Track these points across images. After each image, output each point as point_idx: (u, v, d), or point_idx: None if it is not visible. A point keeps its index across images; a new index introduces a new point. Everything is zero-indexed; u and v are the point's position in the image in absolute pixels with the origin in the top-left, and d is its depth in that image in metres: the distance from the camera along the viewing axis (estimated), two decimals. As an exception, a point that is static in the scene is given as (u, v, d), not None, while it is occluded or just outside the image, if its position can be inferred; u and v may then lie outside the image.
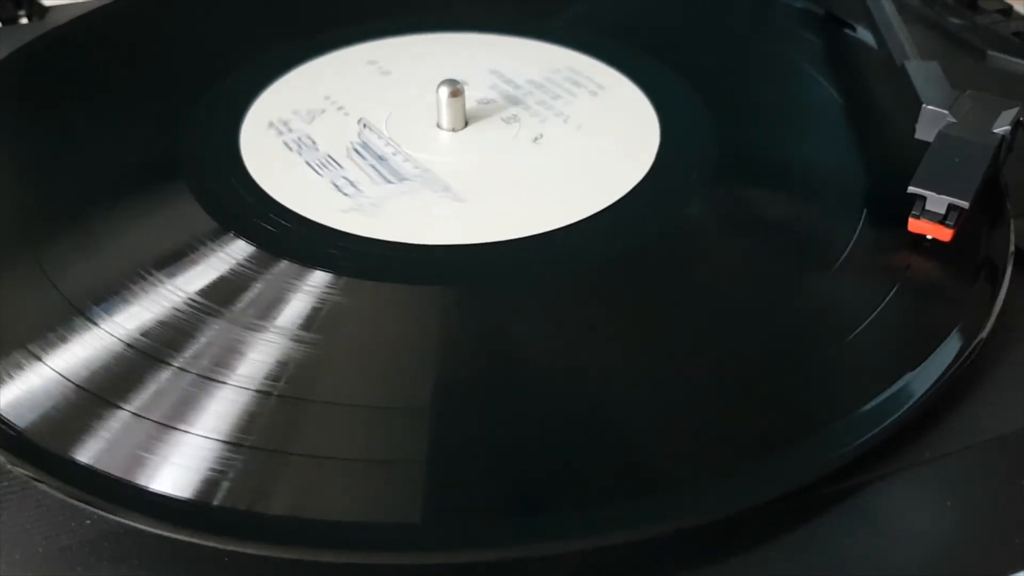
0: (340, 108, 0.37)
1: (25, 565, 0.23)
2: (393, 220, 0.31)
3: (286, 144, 0.34)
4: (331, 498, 0.23)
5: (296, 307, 0.28)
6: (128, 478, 0.24)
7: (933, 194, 0.29)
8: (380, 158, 0.34)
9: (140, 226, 0.31)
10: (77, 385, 0.26)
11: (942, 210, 0.29)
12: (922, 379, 0.26)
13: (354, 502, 0.24)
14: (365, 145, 0.35)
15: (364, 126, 0.36)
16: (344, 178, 0.33)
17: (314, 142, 0.35)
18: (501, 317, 0.28)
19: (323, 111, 0.36)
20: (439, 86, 0.35)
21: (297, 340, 0.27)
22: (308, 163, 0.33)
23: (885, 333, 0.27)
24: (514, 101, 0.37)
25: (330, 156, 0.34)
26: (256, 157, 0.34)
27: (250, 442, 0.24)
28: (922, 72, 0.34)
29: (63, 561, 0.23)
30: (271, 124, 0.35)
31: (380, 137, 0.35)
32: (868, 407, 0.25)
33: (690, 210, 0.32)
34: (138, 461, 0.24)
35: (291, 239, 0.30)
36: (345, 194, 0.32)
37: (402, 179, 0.33)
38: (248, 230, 0.30)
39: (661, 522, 0.23)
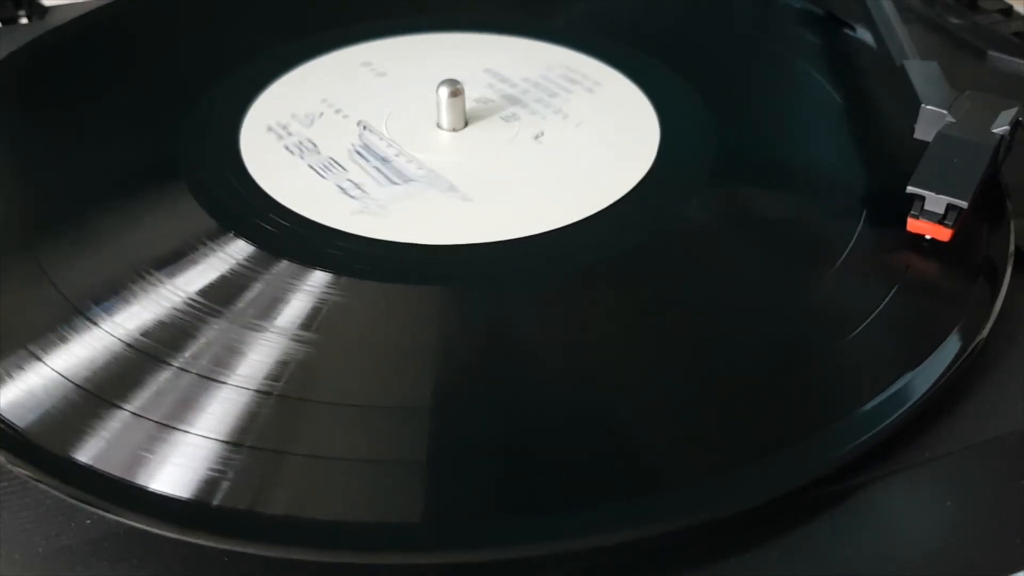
0: (338, 111, 0.37)
1: (25, 565, 0.23)
2: (401, 221, 0.31)
3: (287, 148, 0.34)
4: (331, 498, 0.23)
5: (296, 307, 0.28)
6: (128, 478, 0.24)
7: (932, 194, 0.29)
8: (383, 159, 0.34)
9: (140, 226, 0.31)
10: (77, 385, 0.26)
11: (941, 210, 0.29)
12: (922, 379, 0.26)
13: (354, 502, 0.24)
14: (367, 147, 0.35)
15: (364, 128, 0.36)
16: (349, 180, 0.33)
17: (315, 145, 0.35)
18: (501, 316, 0.28)
19: (321, 114, 0.36)
20: (439, 86, 0.35)
21: (297, 340, 0.27)
22: (311, 167, 0.33)
23: (885, 333, 0.27)
24: (512, 100, 0.37)
25: (332, 159, 0.34)
26: (257, 159, 0.34)
27: (250, 442, 0.24)
28: (921, 72, 0.34)
29: (63, 561, 0.23)
30: (270, 128, 0.35)
31: (381, 139, 0.35)
32: (868, 407, 0.25)
33: (690, 210, 0.32)
34: (138, 461, 0.24)
35: (291, 239, 0.30)
36: (352, 196, 0.32)
37: (407, 180, 0.33)
38: (248, 230, 0.30)
39: (661, 522, 0.23)
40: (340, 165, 0.34)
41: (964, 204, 0.29)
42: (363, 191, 0.32)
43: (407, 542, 0.23)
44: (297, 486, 0.24)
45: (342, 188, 0.32)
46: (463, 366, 0.27)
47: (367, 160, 0.34)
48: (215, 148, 0.34)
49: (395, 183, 0.33)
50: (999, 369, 0.27)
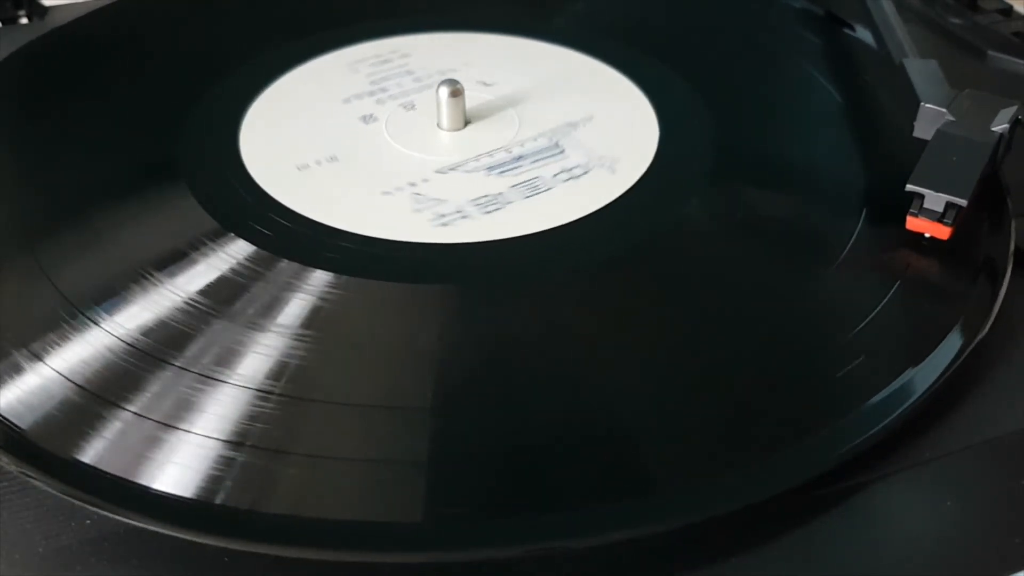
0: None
1: (25, 565, 0.23)
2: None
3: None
4: (331, 497, 0.24)
5: (296, 307, 0.28)
6: (129, 478, 0.24)
7: (931, 192, 0.29)
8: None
9: (140, 226, 0.31)
10: (78, 385, 0.26)
11: (940, 208, 0.29)
12: (922, 379, 0.26)
13: (355, 501, 0.24)
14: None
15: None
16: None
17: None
18: (501, 316, 0.28)
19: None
20: (439, 86, 0.35)
21: (297, 339, 0.27)
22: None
23: (884, 332, 0.27)
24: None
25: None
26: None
27: (251, 441, 0.24)
28: (921, 70, 0.34)
29: (63, 561, 0.23)
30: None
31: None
32: (868, 406, 0.25)
33: (690, 209, 0.32)
34: (139, 461, 0.24)
35: (291, 239, 0.30)
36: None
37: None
38: (248, 230, 0.30)
39: (661, 521, 0.23)
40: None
41: (963, 202, 0.29)
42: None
43: (407, 542, 0.23)
44: (297, 486, 0.24)
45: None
46: (463, 366, 0.27)
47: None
48: (215, 148, 0.34)
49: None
50: (999, 369, 0.27)
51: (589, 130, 0.36)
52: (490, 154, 0.34)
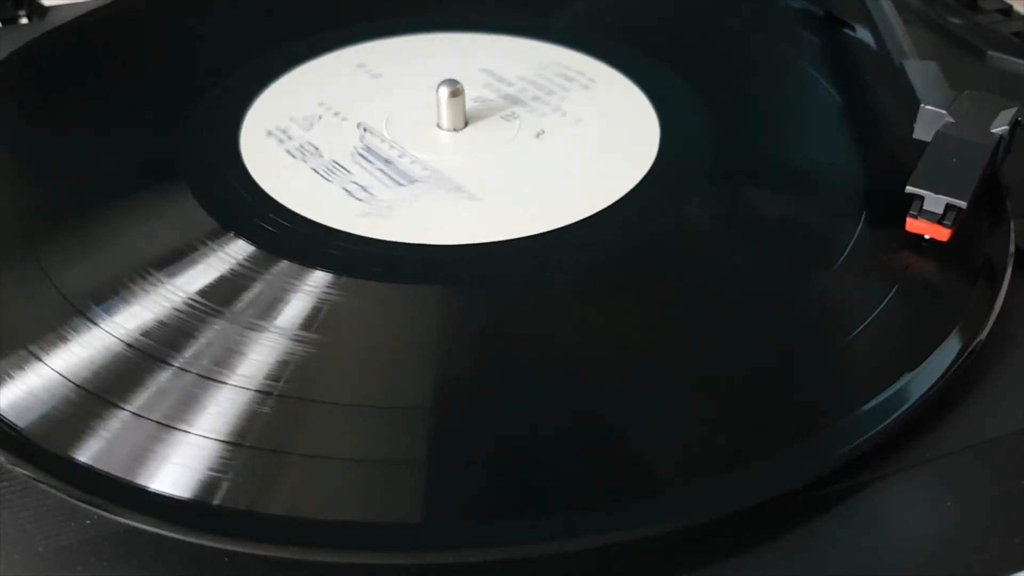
0: (336, 113, 0.37)
1: (25, 565, 0.23)
2: (405, 221, 0.31)
3: (289, 152, 0.34)
4: (331, 498, 0.23)
5: (296, 307, 0.28)
6: (128, 478, 0.24)
7: (931, 194, 0.29)
8: (387, 161, 0.34)
9: (140, 226, 0.31)
10: (77, 385, 0.26)
11: (940, 210, 0.29)
12: (922, 379, 0.26)
13: (354, 502, 0.24)
14: (369, 149, 0.35)
15: (364, 130, 0.36)
16: (355, 183, 0.33)
17: (317, 148, 0.35)
18: (502, 317, 0.28)
19: (320, 117, 0.36)
20: (439, 86, 0.35)
21: (297, 340, 0.27)
22: (315, 170, 0.33)
23: (884, 333, 0.27)
24: (512, 100, 0.37)
25: (336, 162, 0.34)
26: (257, 160, 0.34)
27: (250, 442, 0.24)
28: (920, 72, 0.34)
29: (63, 561, 0.23)
30: (270, 133, 0.35)
31: (383, 140, 0.35)
32: (868, 407, 0.25)
33: (689, 210, 0.32)
34: (138, 461, 0.24)
35: (291, 239, 0.30)
36: (358, 199, 0.32)
37: (412, 181, 0.33)
38: (248, 230, 0.30)
39: (661, 522, 0.23)
40: (343, 167, 0.34)
41: (963, 204, 0.29)
42: (369, 193, 0.32)
43: (407, 542, 0.23)
44: (297, 486, 0.24)
45: (348, 190, 0.32)
46: (462, 367, 0.27)
47: (370, 162, 0.34)
48: (215, 148, 0.34)
49: (400, 184, 0.33)
50: (999, 369, 0.27)
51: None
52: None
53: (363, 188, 0.32)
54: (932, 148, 0.31)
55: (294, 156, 0.34)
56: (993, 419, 0.26)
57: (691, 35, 0.42)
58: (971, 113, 0.31)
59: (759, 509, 0.23)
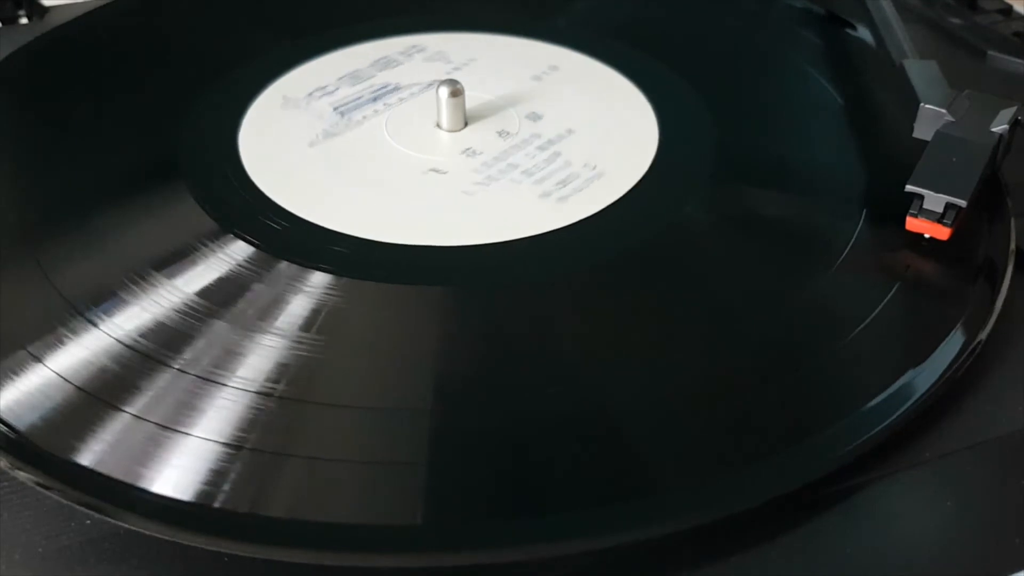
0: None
1: (25, 565, 0.23)
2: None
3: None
4: (331, 500, 0.23)
5: (296, 308, 0.28)
6: (128, 480, 0.24)
7: (931, 193, 0.29)
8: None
9: (140, 227, 0.31)
10: (77, 387, 0.26)
11: (940, 209, 0.29)
12: (922, 379, 0.26)
13: (355, 504, 0.24)
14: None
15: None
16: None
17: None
18: (502, 317, 0.28)
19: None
20: (439, 86, 0.35)
21: (297, 341, 0.27)
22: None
23: (885, 333, 0.27)
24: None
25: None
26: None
27: (250, 444, 0.24)
28: (920, 71, 0.34)
29: (63, 561, 0.23)
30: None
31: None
32: (868, 407, 0.25)
33: (689, 210, 0.32)
34: (138, 463, 0.24)
35: (291, 239, 0.30)
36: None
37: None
38: (248, 230, 0.30)
39: (661, 523, 0.23)
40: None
41: (963, 203, 0.29)
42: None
43: (407, 544, 0.23)
44: (297, 488, 0.24)
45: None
46: (462, 368, 0.27)
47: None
48: (215, 148, 0.34)
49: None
50: (999, 369, 0.27)
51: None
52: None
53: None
54: (932, 147, 0.31)
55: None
56: (993, 419, 0.26)
57: (691, 35, 0.42)
58: (971, 112, 0.31)
59: (759, 509, 0.23)
